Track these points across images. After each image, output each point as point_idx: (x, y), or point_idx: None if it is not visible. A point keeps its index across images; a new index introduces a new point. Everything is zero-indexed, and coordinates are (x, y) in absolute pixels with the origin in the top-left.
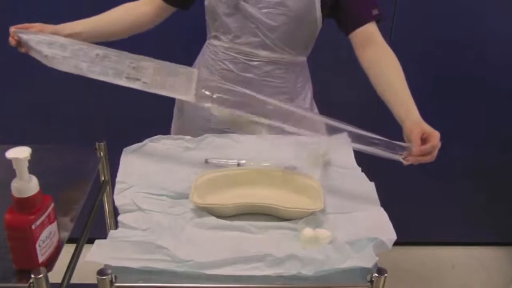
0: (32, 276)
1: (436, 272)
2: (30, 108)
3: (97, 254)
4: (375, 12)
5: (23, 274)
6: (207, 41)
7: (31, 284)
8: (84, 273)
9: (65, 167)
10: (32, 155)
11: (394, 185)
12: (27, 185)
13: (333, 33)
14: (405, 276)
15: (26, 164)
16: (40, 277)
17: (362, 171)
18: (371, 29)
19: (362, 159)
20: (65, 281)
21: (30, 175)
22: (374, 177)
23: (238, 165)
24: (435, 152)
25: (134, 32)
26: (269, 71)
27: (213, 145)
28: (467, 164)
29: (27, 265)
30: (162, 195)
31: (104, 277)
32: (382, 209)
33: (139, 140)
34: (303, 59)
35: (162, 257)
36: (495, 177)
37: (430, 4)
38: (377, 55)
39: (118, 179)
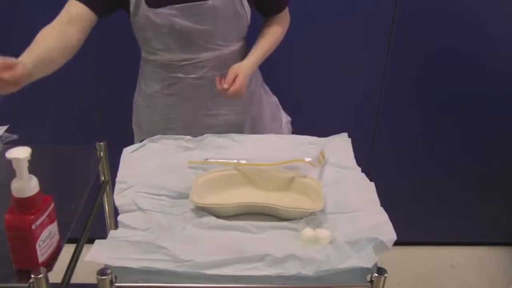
0: (32, 276)
1: (436, 272)
2: (30, 108)
3: (97, 254)
4: None
5: (23, 274)
6: (144, 56)
7: (31, 284)
8: (84, 273)
9: (65, 167)
10: (32, 155)
11: (394, 185)
12: (27, 185)
13: (332, 34)
14: (405, 276)
15: (26, 164)
16: (40, 277)
17: (362, 171)
18: (285, 12)
19: (362, 159)
20: (65, 281)
21: (30, 175)
22: (374, 177)
23: (238, 165)
24: (237, 88)
25: (68, 59)
26: (213, 66)
27: (213, 145)
28: (467, 164)
29: (27, 265)
30: (162, 195)
31: (104, 277)
32: (382, 209)
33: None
34: (242, 43)
35: (162, 257)
36: (495, 177)
37: (430, 13)
38: (273, 26)
39: (118, 179)
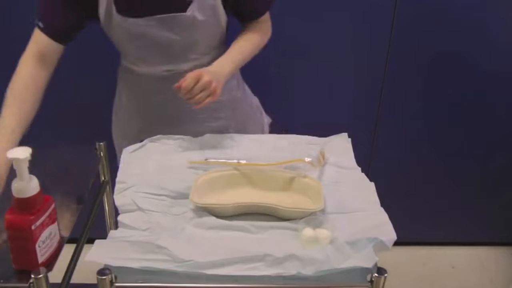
0: (32, 276)
1: (436, 272)
2: None
3: (97, 254)
4: None
5: (23, 274)
6: (123, 65)
7: (31, 284)
8: (84, 273)
9: (65, 167)
10: (32, 155)
11: (394, 185)
12: (27, 185)
13: (332, 34)
14: (405, 276)
15: (27, 164)
16: (40, 277)
17: (362, 171)
18: (264, 17)
19: (362, 159)
20: (65, 281)
21: (31, 175)
22: (374, 177)
23: (238, 165)
24: (200, 87)
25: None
26: None
27: (213, 145)
28: (467, 164)
29: (27, 265)
30: (162, 195)
31: (104, 277)
32: (382, 209)
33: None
34: (222, 50)
35: (162, 257)
36: (495, 177)
37: (430, 13)
38: (249, 33)
39: (118, 179)
